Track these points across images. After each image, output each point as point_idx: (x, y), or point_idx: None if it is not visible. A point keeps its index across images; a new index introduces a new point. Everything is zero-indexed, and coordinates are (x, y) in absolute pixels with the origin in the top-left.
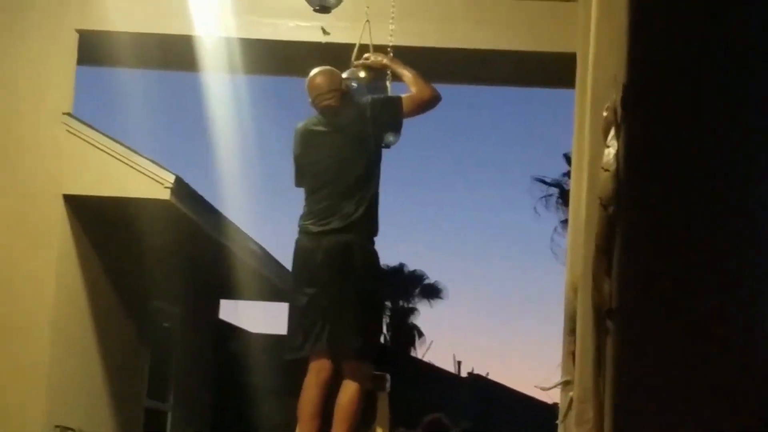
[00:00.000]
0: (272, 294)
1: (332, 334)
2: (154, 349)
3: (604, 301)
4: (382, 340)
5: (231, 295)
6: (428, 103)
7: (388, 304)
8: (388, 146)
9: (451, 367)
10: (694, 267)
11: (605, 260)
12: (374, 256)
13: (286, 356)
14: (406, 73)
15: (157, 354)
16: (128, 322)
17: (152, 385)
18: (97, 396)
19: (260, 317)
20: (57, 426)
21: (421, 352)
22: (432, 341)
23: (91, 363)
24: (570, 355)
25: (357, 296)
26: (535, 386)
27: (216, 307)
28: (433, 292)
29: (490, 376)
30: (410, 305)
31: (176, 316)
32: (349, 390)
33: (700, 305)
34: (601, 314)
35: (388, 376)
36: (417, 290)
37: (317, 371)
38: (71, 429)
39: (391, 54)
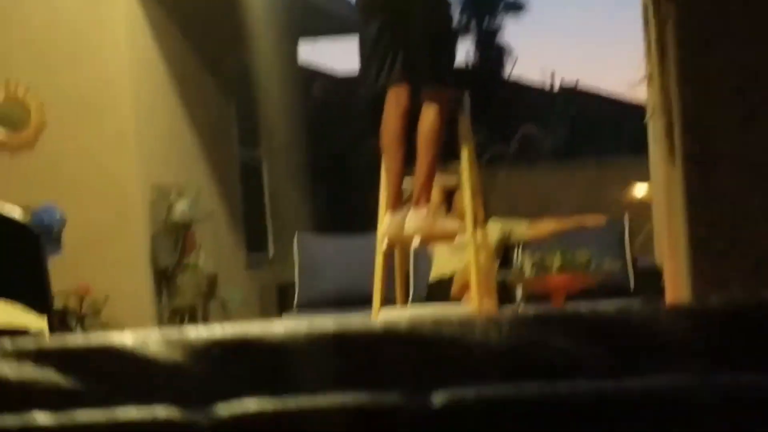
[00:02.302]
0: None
1: (406, 61)
2: (240, 100)
3: None
4: (468, 61)
5: (308, 32)
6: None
7: (472, 22)
8: None
9: (540, 80)
10: None
11: None
12: None
13: (363, 91)
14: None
15: (244, 106)
16: (208, 78)
17: (243, 136)
18: (190, 153)
19: (339, 55)
20: (154, 185)
21: (510, 68)
22: (517, 57)
23: (177, 121)
24: (649, 45)
25: (427, 19)
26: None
27: (294, 50)
28: (515, 5)
29: (579, 83)
30: (494, 22)
31: (255, 63)
32: (429, 115)
33: None
34: None
35: (467, 95)
36: (500, 6)
37: (396, 100)
38: (168, 186)
39: None
